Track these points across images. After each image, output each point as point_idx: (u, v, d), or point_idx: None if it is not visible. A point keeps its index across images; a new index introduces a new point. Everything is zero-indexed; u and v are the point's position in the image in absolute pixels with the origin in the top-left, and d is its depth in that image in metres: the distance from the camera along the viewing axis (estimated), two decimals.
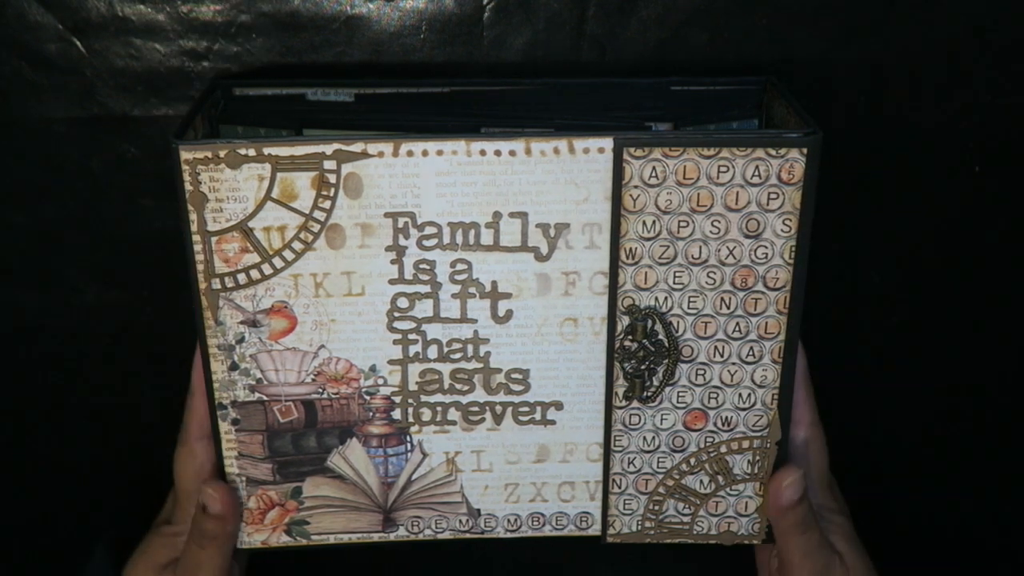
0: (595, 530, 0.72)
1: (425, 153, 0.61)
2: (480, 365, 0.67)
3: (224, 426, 0.68)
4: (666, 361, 0.66)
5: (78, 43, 0.72)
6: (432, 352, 0.66)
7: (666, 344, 0.66)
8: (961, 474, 0.88)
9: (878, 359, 0.83)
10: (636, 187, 0.61)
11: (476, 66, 0.74)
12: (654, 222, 0.63)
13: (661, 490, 0.70)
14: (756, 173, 0.61)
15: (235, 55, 0.73)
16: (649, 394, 0.67)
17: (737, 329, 0.65)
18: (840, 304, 0.81)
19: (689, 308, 0.65)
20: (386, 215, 0.62)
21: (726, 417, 0.68)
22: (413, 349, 0.66)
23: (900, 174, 0.77)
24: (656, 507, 0.71)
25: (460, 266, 0.64)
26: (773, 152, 0.60)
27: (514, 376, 0.67)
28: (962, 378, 0.84)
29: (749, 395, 0.67)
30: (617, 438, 0.69)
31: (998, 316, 0.82)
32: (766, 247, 0.63)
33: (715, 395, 0.67)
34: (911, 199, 0.78)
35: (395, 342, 0.66)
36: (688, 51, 0.73)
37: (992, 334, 0.83)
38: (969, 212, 0.79)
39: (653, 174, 0.61)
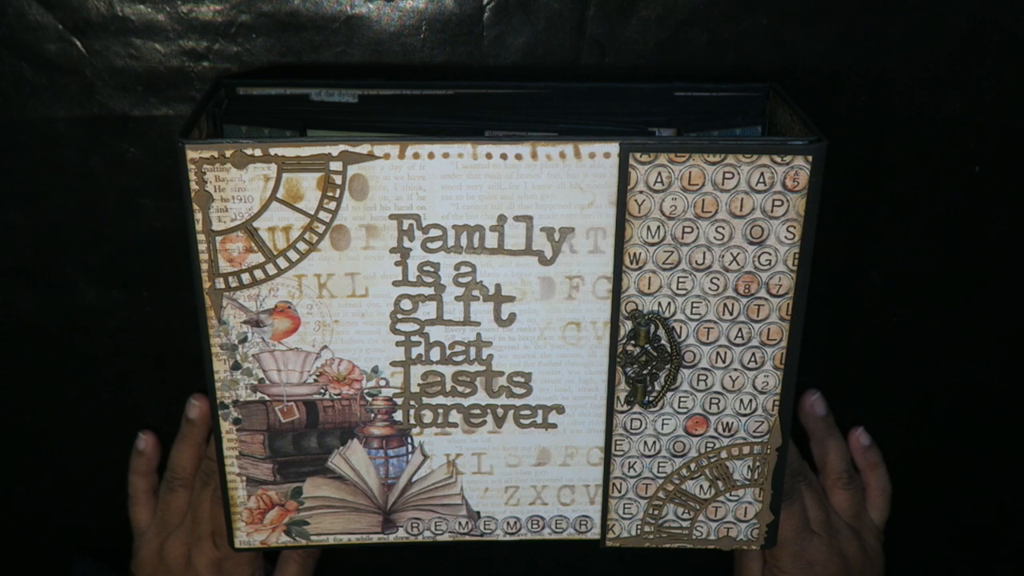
0: (594, 534, 0.72)
1: (431, 156, 0.61)
2: (482, 368, 0.67)
3: (225, 425, 0.68)
4: (668, 366, 0.66)
5: (78, 43, 0.72)
6: (435, 354, 0.66)
7: (668, 349, 0.66)
8: (961, 474, 0.89)
9: (878, 359, 0.84)
10: (641, 192, 0.62)
11: (476, 66, 0.74)
12: (659, 227, 0.63)
13: (661, 495, 0.71)
14: (761, 180, 0.61)
15: (235, 55, 0.73)
16: (651, 399, 0.67)
17: (739, 335, 0.65)
18: (840, 304, 0.81)
19: (692, 313, 0.65)
20: (391, 217, 0.62)
21: (727, 423, 0.68)
22: (416, 351, 0.66)
23: (899, 174, 0.78)
24: (656, 512, 0.71)
25: (464, 269, 0.64)
26: (778, 159, 0.60)
27: (516, 379, 0.67)
28: (963, 378, 0.85)
29: (750, 401, 0.67)
30: (618, 442, 0.69)
31: (998, 316, 0.83)
32: (770, 254, 0.63)
33: (716, 401, 0.68)
34: (911, 199, 0.78)
35: (398, 344, 0.66)
36: (688, 51, 0.73)
37: (992, 334, 0.83)
38: (969, 212, 0.79)
39: (659, 179, 0.61)
